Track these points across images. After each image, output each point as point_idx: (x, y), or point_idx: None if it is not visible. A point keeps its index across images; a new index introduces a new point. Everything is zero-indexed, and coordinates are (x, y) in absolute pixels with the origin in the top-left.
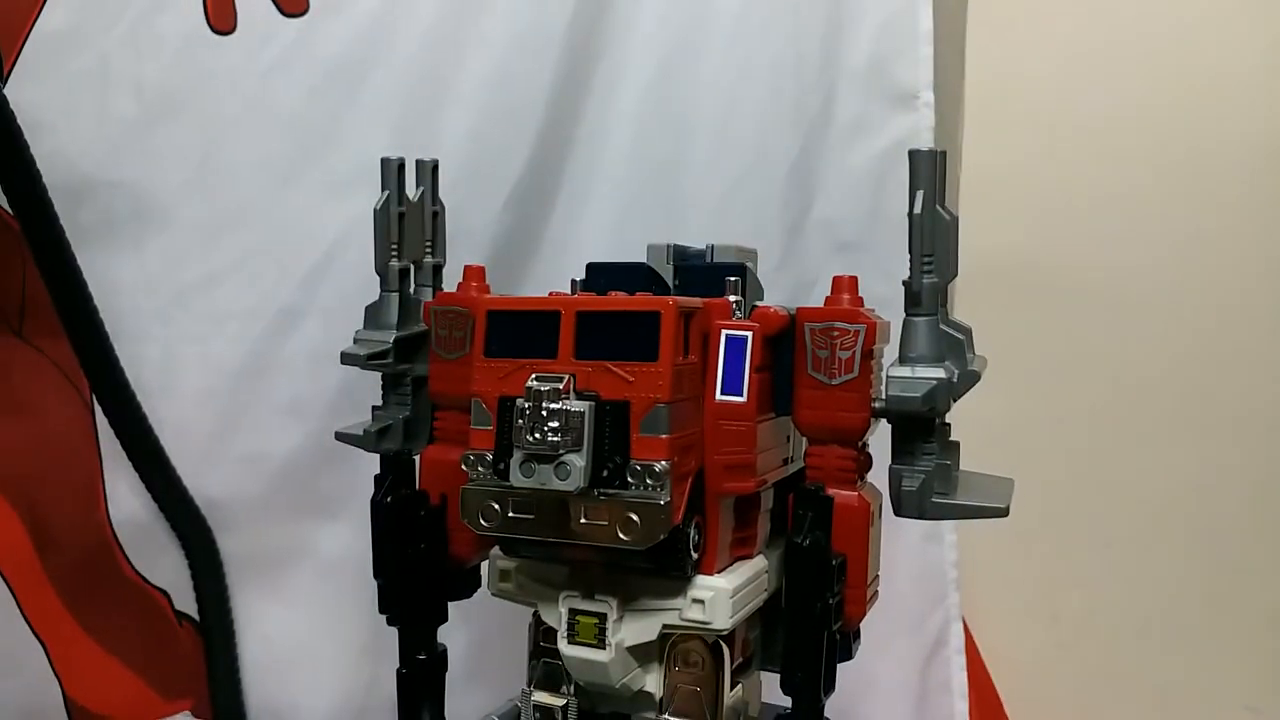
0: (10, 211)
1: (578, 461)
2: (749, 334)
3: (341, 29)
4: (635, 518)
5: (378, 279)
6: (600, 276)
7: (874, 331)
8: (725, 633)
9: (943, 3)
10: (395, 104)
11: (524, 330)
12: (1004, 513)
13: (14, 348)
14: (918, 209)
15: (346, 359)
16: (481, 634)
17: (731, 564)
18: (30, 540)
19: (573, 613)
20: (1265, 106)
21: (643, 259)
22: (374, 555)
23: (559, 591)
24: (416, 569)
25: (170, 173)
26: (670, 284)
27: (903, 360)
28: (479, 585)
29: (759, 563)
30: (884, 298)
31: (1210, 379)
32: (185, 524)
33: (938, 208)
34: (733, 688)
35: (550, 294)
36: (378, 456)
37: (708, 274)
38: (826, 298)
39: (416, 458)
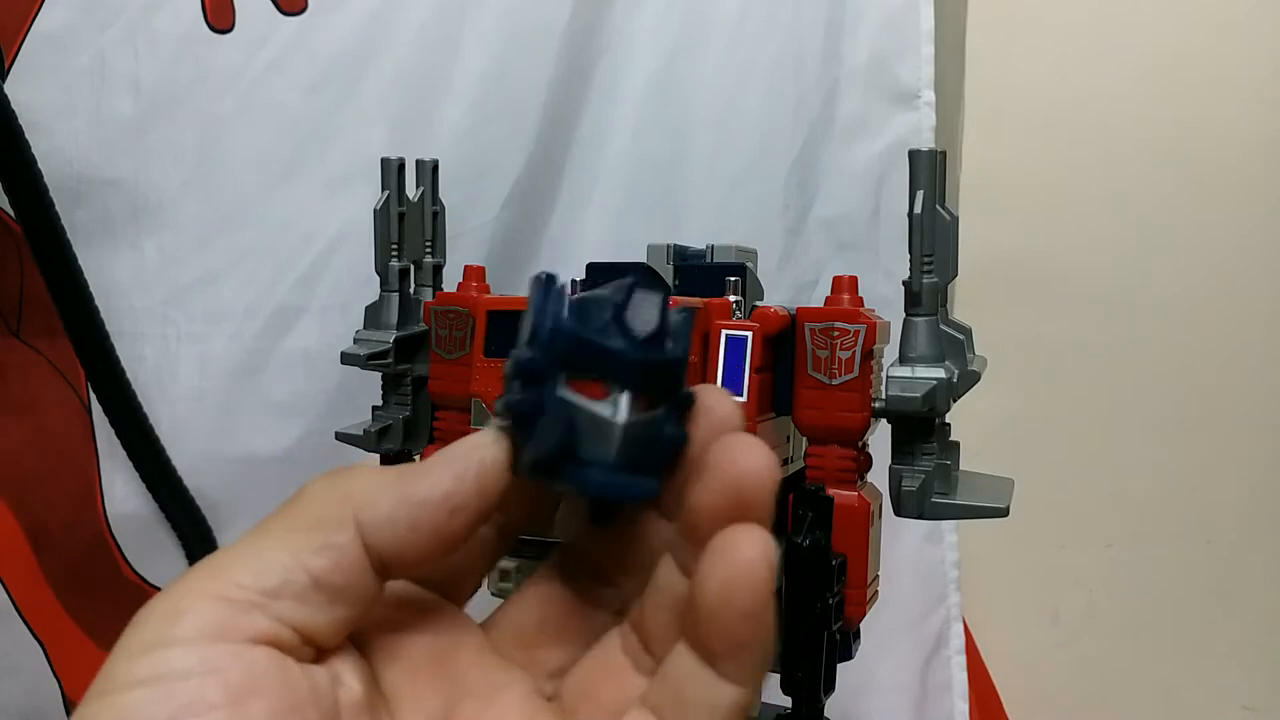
0: (9, 212)
1: None
2: (749, 334)
3: (340, 27)
4: None
5: (376, 278)
6: (600, 276)
7: (874, 332)
8: None
9: (943, 2)
10: (394, 103)
11: None
12: (1004, 513)
13: (11, 348)
14: (918, 209)
15: (346, 359)
16: None
17: None
18: (27, 541)
19: None
20: (1267, 107)
21: (643, 259)
22: None
23: None
24: None
25: (168, 172)
26: (670, 284)
27: (903, 360)
28: (479, 585)
29: None
30: (884, 298)
31: (1211, 379)
32: (184, 524)
33: (938, 208)
34: None
35: None
36: (378, 456)
37: (708, 274)
38: (826, 298)
39: (417, 457)
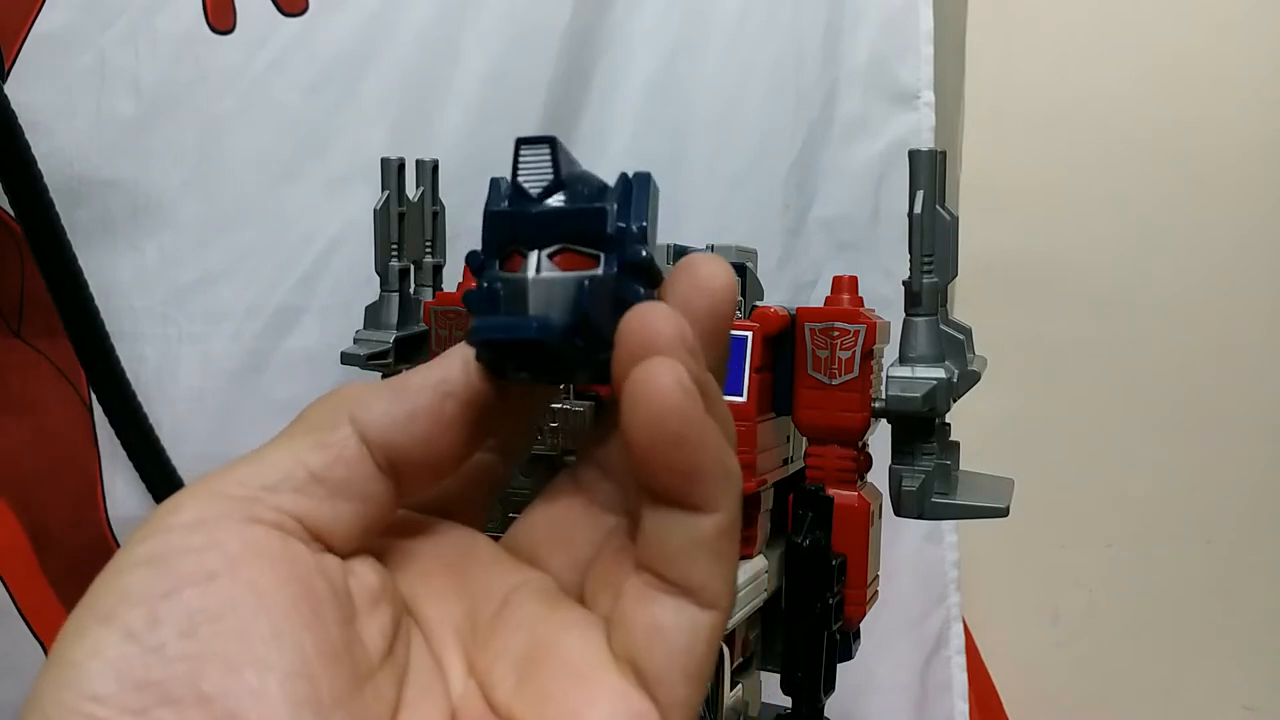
0: (9, 212)
1: None
2: (749, 334)
3: (340, 27)
4: None
5: (376, 278)
6: None
7: (874, 332)
8: (725, 633)
9: (943, 3)
10: (395, 103)
11: None
12: (1004, 513)
13: (12, 348)
14: (918, 209)
15: (346, 359)
16: None
17: None
18: (29, 541)
19: None
20: (1267, 106)
21: None
22: None
23: None
24: None
25: (168, 172)
26: None
27: (903, 360)
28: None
29: (759, 563)
30: (884, 298)
31: (1210, 379)
32: None
33: (938, 208)
34: (733, 688)
35: None
36: None
37: None
38: (826, 298)
39: None
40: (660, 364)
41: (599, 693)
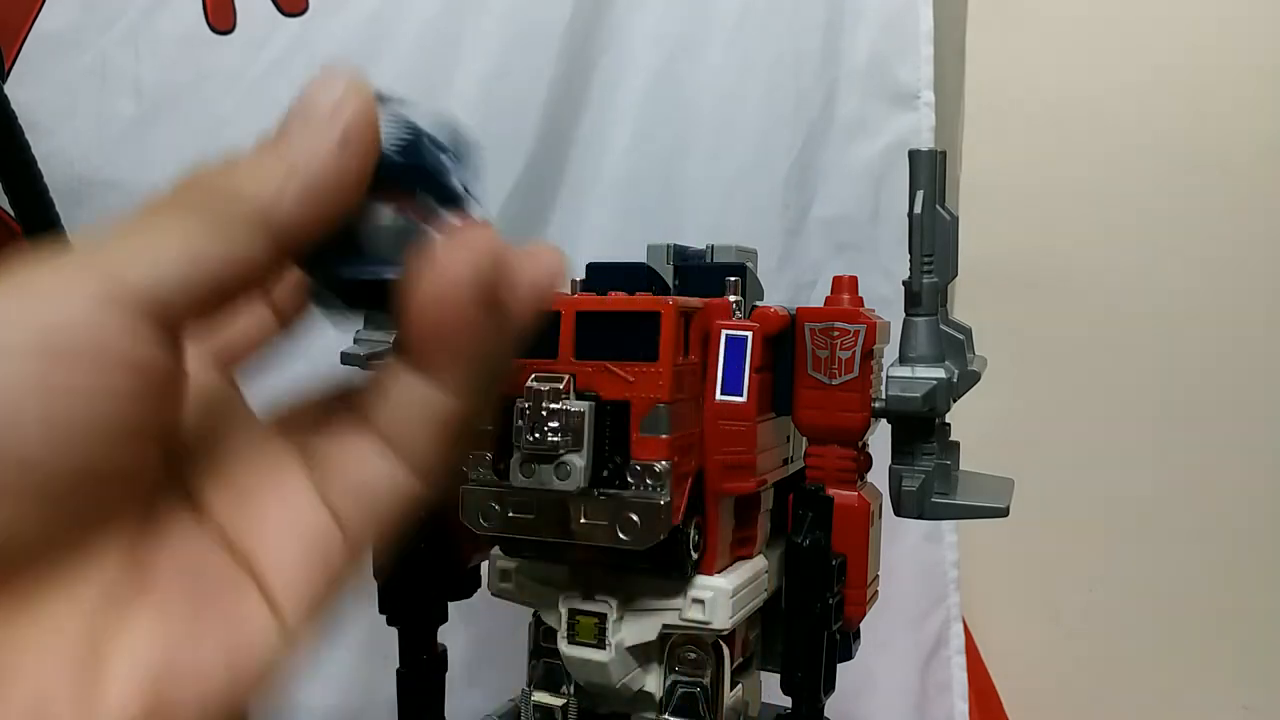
0: (9, 212)
1: (578, 461)
2: (749, 334)
3: (341, 28)
4: (635, 518)
5: None
6: (600, 276)
7: (874, 332)
8: (725, 633)
9: (943, 3)
10: None
11: None
12: (1004, 513)
13: None
14: (918, 209)
15: (346, 359)
16: (481, 634)
17: (732, 564)
18: None
19: (572, 613)
20: (1268, 106)
21: (643, 259)
22: (373, 555)
23: (559, 591)
24: (416, 569)
25: (169, 173)
26: (670, 284)
27: (903, 360)
28: (479, 585)
29: (759, 563)
30: (884, 298)
31: (1210, 379)
32: None
33: (938, 208)
34: (733, 688)
35: None
36: None
37: (708, 274)
38: (826, 298)
39: None
40: (460, 249)
41: (295, 507)
